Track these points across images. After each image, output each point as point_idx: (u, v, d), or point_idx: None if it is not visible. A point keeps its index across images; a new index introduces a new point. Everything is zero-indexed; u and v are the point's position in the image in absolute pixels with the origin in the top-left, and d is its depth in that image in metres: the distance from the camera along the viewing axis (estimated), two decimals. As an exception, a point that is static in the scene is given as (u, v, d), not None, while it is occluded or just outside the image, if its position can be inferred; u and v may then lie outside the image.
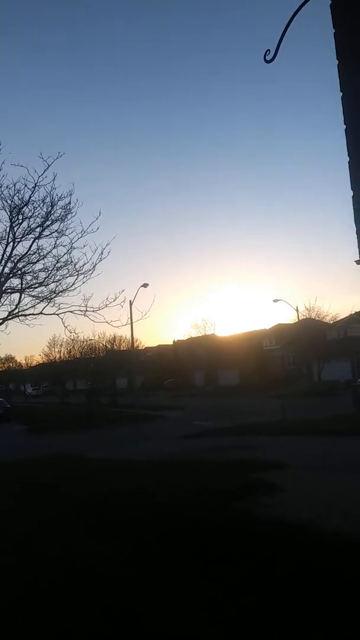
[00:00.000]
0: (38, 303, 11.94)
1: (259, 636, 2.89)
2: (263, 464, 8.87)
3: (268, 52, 2.53)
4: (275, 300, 40.63)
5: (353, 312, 48.58)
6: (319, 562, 3.84)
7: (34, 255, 11.72)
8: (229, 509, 5.75)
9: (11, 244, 11.50)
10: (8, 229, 11.45)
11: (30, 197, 11.33)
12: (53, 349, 56.14)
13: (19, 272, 11.70)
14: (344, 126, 1.93)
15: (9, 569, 4.32)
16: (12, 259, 11.58)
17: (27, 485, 8.06)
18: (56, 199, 11.51)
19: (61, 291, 11.89)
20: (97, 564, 4.21)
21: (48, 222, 11.61)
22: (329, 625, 2.95)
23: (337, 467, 8.52)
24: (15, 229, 11.47)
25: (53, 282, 11.83)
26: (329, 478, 7.64)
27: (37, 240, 11.66)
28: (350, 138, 1.89)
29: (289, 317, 49.55)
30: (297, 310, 41.18)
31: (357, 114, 1.86)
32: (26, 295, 11.91)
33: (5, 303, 11.73)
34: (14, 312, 11.83)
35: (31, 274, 11.83)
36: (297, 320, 42.75)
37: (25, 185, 11.20)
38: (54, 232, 11.69)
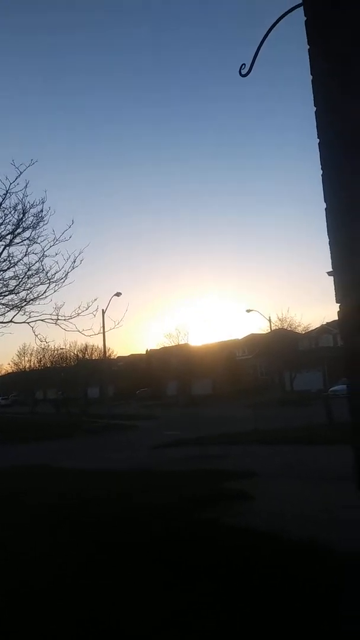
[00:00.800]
0: (8, 311, 11.72)
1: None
2: (234, 473, 8.89)
3: (243, 66, 2.57)
4: (248, 311, 41.14)
5: (324, 323, 49.63)
6: (289, 570, 3.85)
7: (5, 263, 11.51)
8: (199, 517, 5.74)
9: (-19, 251, 11.25)
10: (-22, 235, 11.22)
11: (0, 204, 11.16)
12: (23, 357, 55.19)
13: (-12, 280, 11.45)
14: (317, 140, 1.97)
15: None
16: (-19, 266, 11.33)
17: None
18: (28, 207, 11.37)
19: (32, 299, 11.71)
20: (63, 574, 4.13)
21: (19, 230, 11.44)
22: (299, 633, 2.95)
23: (308, 476, 8.62)
24: (-15, 235, 11.24)
25: (24, 290, 11.65)
26: (299, 487, 7.71)
27: (7, 248, 11.47)
28: (323, 152, 1.94)
29: (261, 327, 50.19)
30: (269, 320, 41.79)
31: (330, 128, 1.91)
32: (-5, 303, 11.66)
33: (-26, 311, 11.46)
34: (-17, 320, 11.56)
35: (1, 281, 11.61)
36: (269, 331, 43.33)
37: (-4, 192, 11.01)
38: (25, 240, 11.53)
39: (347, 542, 4.56)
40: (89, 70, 75.38)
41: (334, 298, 1.77)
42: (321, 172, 1.84)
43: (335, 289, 1.74)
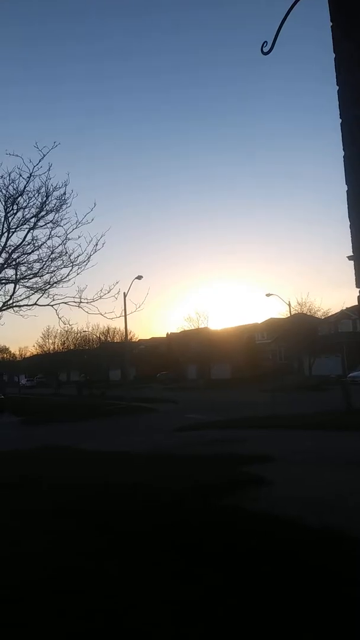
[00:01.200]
0: (32, 294, 11.91)
1: (247, 634, 2.91)
2: (253, 457, 8.92)
3: (265, 44, 2.51)
4: (268, 295, 40.76)
5: (344, 308, 48.90)
6: (307, 557, 3.87)
7: (29, 246, 11.67)
8: (217, 503, 5.77)
9: (6, 234, 11.44)
10: (3, 219, 11.39)
11: (25, 187, 11.26)
12: (47, 340, 56.12)
13: (14, 263, 11.64)
14: (340, 120, 1.92)
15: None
16: (6, 249, 11.52)
17: (20, 477, 8.04)
18: (51, 189, 11.46)
19: (55, 282, 11.86)
20: (81, 560, 4.20)
21: (43, 213, 11.56)
22: (318, 621, 2.98)
23: (326, 462, 8.59)
24: (10, 219, 11.40)
25: (47, 273, 11.80)
26: (317, 472, 7.70)
27: (31, 231, 11.60)
28: (345, 131, 1.89)
29: (281, 312, 49.75)
30: (289, 305, 41.38)
31: (353, 108, 1.86)
32: (20, 286, 11.88)
33: (-1, 294, 11.67)
34: (8, 302, 11.79)
35: (25, 264, 11.78)
36: (289, 315, 42.92)
37: (20, 175, 11.13)
38: (48, 223, 11.65)
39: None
40: (116, 53, 74.42)
41: (354, 283, 1.74)
42: (343, 153, 1.79)
43: (355, 273, 1.71)
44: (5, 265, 11.59)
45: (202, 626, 2.99)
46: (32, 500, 6.47)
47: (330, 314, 49.13)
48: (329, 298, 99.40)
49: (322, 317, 49.12)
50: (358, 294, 1.71)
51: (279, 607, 3.16)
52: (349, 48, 1.83)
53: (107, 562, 4.12)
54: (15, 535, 5.01)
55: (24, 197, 11.35)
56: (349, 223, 1.80)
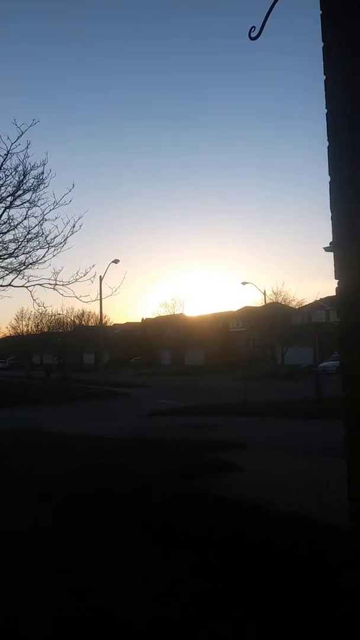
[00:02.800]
0: (7, 274, 11.69)
1: (216, 614, 2.98)
2: (224, 444, 9.05)
3: (253, 29, 2.47)
4: (244, 283, 41.11)
5: (318, 299, 49.67)
6: (274, 541, 3.96)
7: (4, 225, 11.39)
8: (188, 488, 5.85)
9: (-19, 212, 11.10)
10: (-22, 197, 11.04)
11: (1, 164, 10.93)
12: (21, 322, 55.30)
13: (-12, 242, 11.34)
14: (325, 110, 1.92)
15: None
16: (-19, 228, 11.20)
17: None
18: (29, 168, 11.18)
19: (31, 263, 11.66)
20: (53, 542, 4.21)
21: (20, 192, 11.28)
22: (284, 603, 3.06)
23: (296, 449, 8.80)
24: (-14, 197, 11.06)
25: (23, 253, 11.58)
26: (287, 459, 7.89)
27: (7, 210, 11.31)
28: (330, 122, 1.89)
29: (256, 300, 50.20)
30: (264, 294, 41.81)
31: (339, 98, 1.86)
32: (-6, 266, 11.59)
33: (-27, 274, 11.40)
34: (-18, 283, 11.51)
35: (1, 244, 11.51)
36: (264, 304, 43.38)
37: (-3, 153, 10.78)
38: (25, 202, 11.38)
39: (331, 514, 4.69)
40: (91, 33, 72.38)
41: (329, 274, 1.76)
42: (326, 144, 1.79)
43: (335, 264, 1.72)
44: (-20, 245, 11.30)
45: (175, 604, 3.05)
46: (3, 483, 6.42)
47: (304, 304, 49.90)
48: (304, 289, 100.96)
49: (296, 307, 49.84)
50: (336, 285, 1.74)
51: (247, 586, 3.23)
52: (338, 36, 1.82)
53: (82, 543, 4.14)
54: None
55: (0, 175, 11.05)
56: (330, 214, 1.81)
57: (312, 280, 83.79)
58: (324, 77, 1.87)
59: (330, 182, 1.84)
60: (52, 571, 3.63)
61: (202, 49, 75.91)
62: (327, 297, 48.81)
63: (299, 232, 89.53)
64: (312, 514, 4.61)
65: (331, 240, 1.80)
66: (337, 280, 1.74)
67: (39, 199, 11.41)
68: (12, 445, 9.74)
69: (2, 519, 4.90)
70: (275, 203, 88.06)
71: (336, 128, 1.75)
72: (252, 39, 2.42)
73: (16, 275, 11.68)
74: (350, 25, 1.81)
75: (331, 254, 1.76)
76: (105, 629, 2.83)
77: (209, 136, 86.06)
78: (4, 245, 11.52)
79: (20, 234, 11.50)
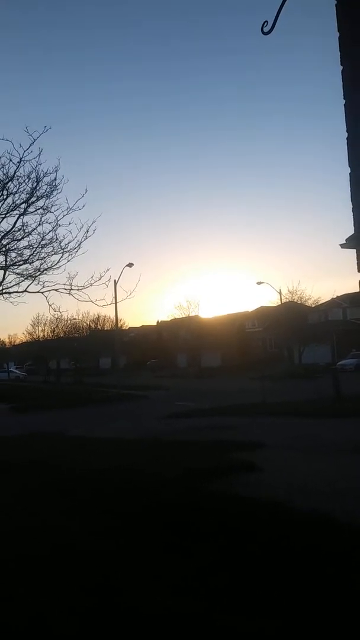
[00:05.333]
0: (22, 281, 11.80)
1: (234, 610, 2.96)
2: (243, 444, 9.00)
3: (266, 24, 2.45)
4: (259, 283, 40.86)
5: (334, 297, 49.18)
6: (294, 540, 3.93)
7: (19, 232, 11.52)
8: (207, 488, 5.85)
9: (-4, 219, 11.24)
10: (-7, 204, 11.17)
11: (15, 172, 11.07)
12: (37, 327, 55.70)
13: (3, 249, 11.49)
14: (343, 101, 1.89)
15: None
16: (-4, 235, 11.34)
17: (6, 463, 8.04)
18: (42, 175, 11.28)
19: (46, 269, 11.75)
20: (76, 540, 4.27)
21: (33, 199, 11.39)
22: (304, 601, 3.03)
23: (315, 448, 8.70)
24: (0, 204, 11.21)
25: (38, 259, 11.68)
26: (306, 458, 7.80)
27: (22, 217, 11.44)
28: (349, 113, 1.86)
29: (271, 300, 49.90)
30: (280, 293, 41.52)
31: (357, 89, 1.82)
32: (10, 273, 11.75)
33: (-11, 281, 11.53)
34: (-2, 289, 11.64)
35: (15, 251, 11.64)
36: (279, 303, 43.07)
37: (10, 160, 10.92)
38: (39, 209, 11.49)
39: (350, 514, 4.63)
40: (104, 40, 73.01)
41: (346, 272, 1.73)
42: (345, 135, 1.77)
43: (357, 257, 1.68)
44: (-5, 252, 11.43)
45: (194, 600, 3.04)
46: (28, 482, 6.49)
47: (320, 303, 49.40)
48: (320, 287, 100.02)
49: (313, 306, 49.39)
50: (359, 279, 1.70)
51: (266, 584, 3.20)
52: (354, 26, 1.79)
53: (104, 540, 4.17)
54: (14, 515, 5.05)
55: (14, 182, 11.17)
56: (351, 206, 1.78)
57: (328, 278, 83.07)
58: (341, 68, 1.85)
59: (350, 174, 1.81)
60: (75, 567, 3.67)
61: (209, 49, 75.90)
62: (344, 294, 48.31)
63: (314, 230, 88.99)
64: (332, 513, 4.56)
65: (348, 235, 1.77)
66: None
67: (52, 205, 11.53)
68: (34, 448, 9.82)
69: (22, 519, 4.97)
70: (289, 201, 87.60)
71: (355, 118, 1.73)
72: (264, 33, 2.40)
73: (32, 281, 11.80)
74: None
75: (347, 251, 1.73)
76: (127, 624, 2.85)
77: (222, 137, 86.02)
78: (19, 252, 11.65)
79: (35, 240, 11.62)
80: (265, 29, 2.39)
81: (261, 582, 3.27)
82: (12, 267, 11.69)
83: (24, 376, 63.88)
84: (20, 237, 11.57)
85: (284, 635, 2.67)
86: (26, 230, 11.53)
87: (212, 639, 2.67)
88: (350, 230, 1.83)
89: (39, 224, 11.56)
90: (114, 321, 36.08)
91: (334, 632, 2.69)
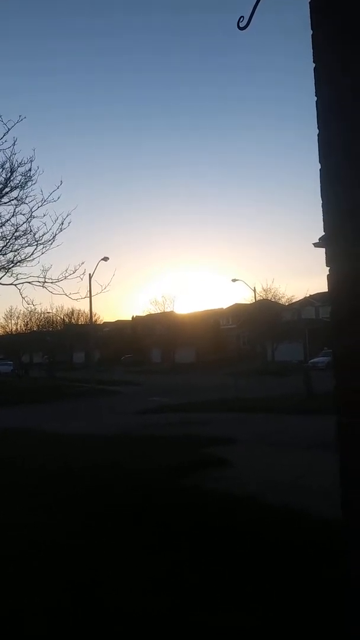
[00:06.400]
0: (-5, 272, 11.54)
1: (209, 606, 2.98)
2: (215, 439, 9.07)
3: (242, 19, 2.45)
4: (234, 280, 41.09)
5: (307, 295, 49.97)
6: (265, 534, 3.97)
7: (-8, 223, 11.25)
8: (179, 483, 5.85)
9: (-32, 210, 11.01)
10: (-34, 195, 10.91)
11: (-12, 162, 10.81)
12: (10, 321, 54.83)
13: (-24, 241, 11.21)
14: (315, 98, 1.91)
15: None
16: (-31, 226, 11.07)
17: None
18: (16, 165, 11.06)
19: (19, 261, 11.54)
20: (47, 538, 4.19)
21: (7, 189, 11.16)
22: (277, 594, 3.07)
23: (286, 444, 8.83)
24: (-27, 195, 10.94)
25: (11, 251, 11.46)
26: (277, 453, 7.91)
27: (-5, 208, 11.19)
28: (321, 110, 1.88)
29: (246, 298, 50.32)
30: (254, 290, 41.87)
31: (329, 86, 1.85)
32: (-18, 264, 11.48)
33: None
34: (-30, 281, 11.39)
35: (-12, 242, 11.37)
36: (254, 301, 43.48)
37: (-17, 149, 10.65)
38: (12, 200, 11.26)
39: (319, 508, 4.72)
40: (78, 30, 71.83)
41: (319, 271, 1.76)
42: (316, 132, 1.78)
43: (326, 251, 1.71)
44: (-33, 243, 11.17)
45: (167, 597, 3.04)
46: (3, 479, 6.38)
47: (293, 301, 50.13)
48: (294, 285, 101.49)
49: (286, 304, 50.04)
50: (328, 273, 1.73)
51: (239, 579, 3.24)
52: (327, 23, 1.81)
53: (76, 540, 4.12)
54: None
55: (-13, 172, 10.92)
56: (320, 203, 1.81)
57: (301, 277, 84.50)
58: (313, 65, 1.86)
59: (320, 169, 1.84)
60: (48, 567, 3.61)
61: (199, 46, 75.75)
62: (317, 293, 49.16)
63: (288, 230, 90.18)
64: (302, 507, 4.63)
65: (321, 235, 1.79)
66: (328, 267, 1.73)
67: (26, 196, 11.32)
68: (3, 445, 9.66)
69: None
70: (265, 201, 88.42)
71: (326, 116, 1.75)
72: (240, 29, 2.40)
73: (4, 273, 11.58)
74: (339, 10, 1.80)
75: (321, 250, 1.76)
76: (101, 622, 2.82)
77: (199, 133, 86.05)
78: (-8, 243, 11.40)
79: (8, 232, 11.40)
80: (242, 24, 2.40)
81: (233, 578, 3.29)
82: (-16, 259, 11.45)
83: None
84: (-7, 228, 11.33)
85: (256, 630, 2.70)
86: (-1, 221, 11.31)
87: (185, 635, 2.68)
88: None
89: (13, 215, 11.35)
90: (89, 315, 35.78)
91: (306, 625, 2.73)
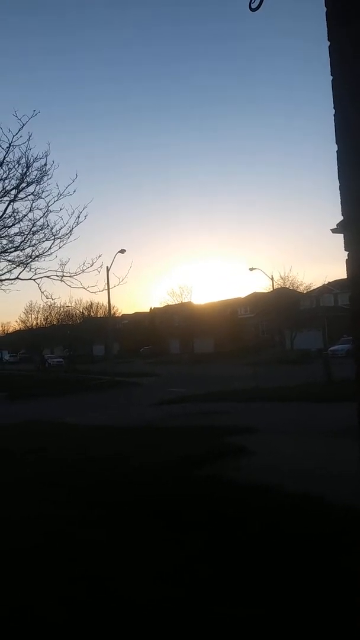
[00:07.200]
0: (14, 268, 11.68)
1: (226, 597, 2.99)
2: (235, 429, 9.06)
3: (253, 0, 2.39)
4: (251, 269, 40.74)
5: (326, 282, 49.27)
6: (285, 523, 3.96)
7: (10, 219, 11.38)
8: (200, 473, 5.87)
9: (-14, 207, 11.10)
10: (-18, 191, 11.02)
11: (4, 157, 10.89)
12: (30, 315, 55.35)
13: (-6, 236, 11.34)
14: (331, 77, 1.86)
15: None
16: (-13, 222, 11.20)
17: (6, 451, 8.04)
18: (32, 160, 11.12)
19: (37, 256, 11.64)
20: (67, 528, 4.26)
21: (23, 184, 11.24)
22: (295, 585, 3.06)
23: (306, 432, 8.78)
24: (-10, 191, 11.05)
25: (29, 246, 11.56)
26: (298, 442, 7.87)
27: (12, 203, 11.29)
28: (337, 91, 1.83)
29: (264, 286, 49.85)
30: (272, 279, 41.48)
31: (345, 65, 1.79)
32: (2, 260, 11.63)
33: (-20, 268, 11.44)
34: (-10, 277, 11.54)
35: (7, 237, 11.51)
36: (272, 289, 43.08)
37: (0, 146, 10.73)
38: (29, 195, 11.35)
39: (341, 497, 4.68)
40: (93, 23, 71.47)
41: (337, 257, 1.72)
42: (334, 112, 1.74)
43: (344, 236, 1.67)
44: (-14, 239, 11.31)
45: (184, 587, 3.06)
46: (19, 472, 6.49)
47: (312, 288, 49.52)
48: (312, 272, 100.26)
49: (304, 292, 49.49)
50: (346, 257, 1.69)
51: (257, 569, 3.24)
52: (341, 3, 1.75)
53: (94, 529, 4.18)
54: (9, 503, 5.05)
55: (3, 168, 11.01)
56: (338, 185, 1.76)
57: (319, 264, 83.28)
58: (328, 43, 1.81)
59: (337, 151, 1.79)
60: (65, 557, 3.68)
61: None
62: (335, 280, 48.42)
63: (305, 216, 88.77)
64: (323, 495, 4.60)
65: (339, 220, 1.75)
66: (347, 252, 1.69)
67: (42, 191, 11.39)
68: (26, 436, 9.83)
69: (11, 508, 4.96)
70: (281, 187, 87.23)
71: (342, 97, 1.70)
72: (252, 10, 2.35)
73: (23, 268, 11.70)
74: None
75: (339, 236, 1.72)
76: (115, 612, 2.87)
77: (214, 124, 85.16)
78: (10, 239, 11.53)
79: (26, 227, 11.49)
80: (253, 5, 2.34)
81: (251, 569, 3.29)
82: (3, 255, 11.58)
83: (14, 359, 63.50)
84: (10, 224, 11.43)
85: (270, 621, 2.70)
86: (17, 217, 11.40)
87: (199, 627, 2.70)
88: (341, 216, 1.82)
89: (30, 210, 11.43)
90: (107, 308, 35.94)
91: (324, 617, 2.72)
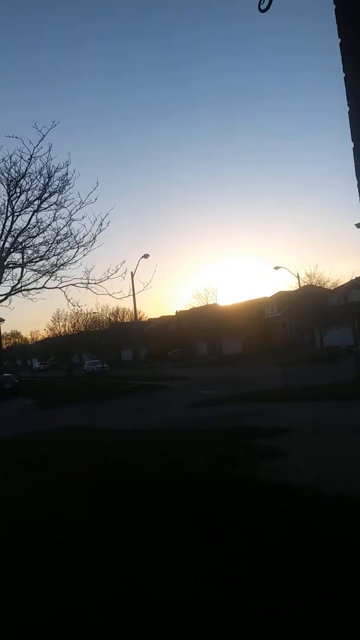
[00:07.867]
0: (40, 277, 11.98)
1: (259, 597, 2.97)
2: (266, 430, 9.00)
3: (262, 1, 2.39)
4: (276, 268, 40.32)
5: (354, 278, 48.30)
6: (320, 524, 3.92)
7: (34, 229, 11.69)
8: (232, 475, 5.87)
9: (10, 217, 11.46)
10: (7, 202, 11.39)
11: (26, 169, 11.20)
12: (57, 323, 56.37)
13: (20, 247, 11.68)
14: (343, 74, 1.84)
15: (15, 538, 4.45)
16: (12, 233, 11.55)
17: (51, 455, 8.19)
18: (53, 170, 11.40)
19: (62, 264, 11.90)
20: (104, 529, 4.34)
21: (46, 195, 11.53)
22: (328, 586, 3.02)
23: (338, 431, 8.64)
24: (14, 202, 11.39)
25: (54, 255, 11.84)
26: (330, 442, 7.75)
27: (36, 214, 11.59)
28: (350, 87, 1.81)
29: (290, 285, 49.27)
30: (298, 277, 40.97)
31: (357, 61, 1.77)
32: (28, 270, 11.94)
33: (7, 278, 11.78)
34: (17, 287, 11.87)
35: (32, 247, 11.82)
36: (298, 288, 42.55)
37: (21, 157, 11.04)
38: (52, 205, 11.63)
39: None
40: (107, 33, 72.46)
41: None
42: (348, 109, 1.71)
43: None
44: (12, 249, 11.63)
45: (220, 587, 3.07)
46: (60, 474, 6.63)
47: (339, 285, 48.65)
48: (338, 268, 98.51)
49: (332, 288, 48.66)
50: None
51: (293, 570, 3.21)
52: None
53: (132, 529, 4.24)
54: (49, 506, 5.18)
55: (26, 179, 11.32)
56: (356, 182, 1.74)
57: (346, 260, 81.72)
58: (339, 40, 1.79)
59: (353, 149, 1.77)
60: (103, 556, 3.75)
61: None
62: (364, 272, 47.39)
63: (329, 211, 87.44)
64: (358, 495, 4.51)
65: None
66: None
67: (65, 200, 11.65)
68: (61, 441, 9.99)
69: (52, 509, 5.10)
70: (304, 183, 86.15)
71: (356, 92, 1.68)
72: (261, 11, 2.35)
73: (49, 277, 11.96)
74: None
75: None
76: (153, 611, 2.91)
77: (235, 122, 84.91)
78: (35, 249, 11.82)
79: (50, 236, 11.77)
80: (262, 6, 2.34)
81: (287, 570, 3.28)
82: (29, 264, 11.88)
83: (44, 367, 64.63)
84: (35, 234, 11.74)
85: (305, 620, 2.67)
86: (41, 227, 11.69)
87: (236, 625, 2.69)
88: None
89: (53, 220, 11.71)
90: (133, 313, 36.21)
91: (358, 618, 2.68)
